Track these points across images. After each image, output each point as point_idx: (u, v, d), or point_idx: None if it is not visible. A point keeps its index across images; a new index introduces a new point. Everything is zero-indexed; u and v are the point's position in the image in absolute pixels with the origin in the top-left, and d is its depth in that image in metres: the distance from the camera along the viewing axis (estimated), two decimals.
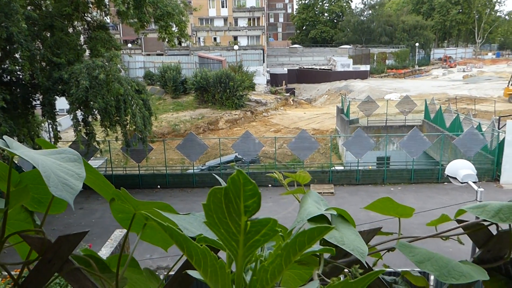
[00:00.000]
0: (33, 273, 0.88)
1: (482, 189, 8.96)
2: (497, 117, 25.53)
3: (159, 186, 22.26)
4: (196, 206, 19.24)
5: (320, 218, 0.89)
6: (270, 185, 21.12)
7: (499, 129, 22.50)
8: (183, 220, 0.87)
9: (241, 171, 0.55)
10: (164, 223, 0.63)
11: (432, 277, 8.45)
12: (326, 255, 0.89)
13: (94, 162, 23.55)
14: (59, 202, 1.03)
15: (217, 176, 0.94)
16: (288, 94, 49.92)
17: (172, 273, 1.06)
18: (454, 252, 12.31)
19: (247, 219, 0.56)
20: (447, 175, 9.64)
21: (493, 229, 0.98)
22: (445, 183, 20.53)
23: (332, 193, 20.43)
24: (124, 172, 23.86)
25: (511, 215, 0.88)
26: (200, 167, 25.33)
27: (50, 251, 0.88)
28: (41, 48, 17.22)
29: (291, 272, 0.98)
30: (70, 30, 18.58)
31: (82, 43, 19.18)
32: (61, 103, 19.69)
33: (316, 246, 0.69)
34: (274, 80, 55.83)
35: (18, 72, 17.15)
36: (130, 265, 1.09)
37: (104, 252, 9.60)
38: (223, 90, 37.78)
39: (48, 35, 17.46)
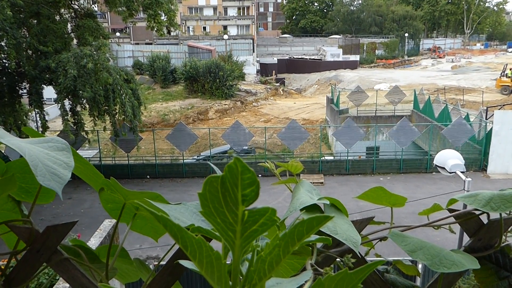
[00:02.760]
0: (21, 263, 0.87)
1: (469, 179, 9.06)
2: (485, 108, 25.79)
3: (148, 176, 22.18)
4: (186, 196, 19.22)
5: (313, 208, 0.88)
6: (260, 175, 21.16)
7: (486, 119, 22.73)
8: (174, 210, 0.85)
9: (239, 159, 0.53)
10: (157, 212, 0.61)
11: (420, 266, 8.56)
12: (319, 245, 0.89)
13: (87, 153, 23.37)
14: (47, 192, 1.01)
15: (212, 165, 0.93)
16: (278, 84, 49.84)
17: (162, 263, 1.05)
18: (442, 241, 12.49)
19: (245, 208, 0.55)
20: (436, 165, 9.73)
21: (484, 218, 0.98)
22: (434, 172, 20.74)
23: (321, 183, 20.53)
24: (113, 162, 23.71)
25: (502, 204, 0.88)
26: (195, 157, 25.27)
27: (38, 241, 0.86)
28: (27, 36, 16.93)
29: (283, 262, 0.97)
30: (57, 18, 18.27)
31: (70, 32, 18.90)
32: (49, 92, 19.44)
33: (313, 236, 0.69)
34: (264, 70, 55.69)
35: (4, 60, 16.87)
36: (120, 256, 1.08)
37: (93, 242, 9.55)
38: (212, 80, 37.57)
39: (34, 23, 17.17)
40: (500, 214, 0.92)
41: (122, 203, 1.01)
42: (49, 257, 0.88)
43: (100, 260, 1.05)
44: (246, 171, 0.53)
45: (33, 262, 0.87)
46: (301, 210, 0.86)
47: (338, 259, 0.92)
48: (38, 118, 18.68)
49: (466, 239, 1.02)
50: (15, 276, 0.88)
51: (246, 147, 23.42)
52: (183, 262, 0.68)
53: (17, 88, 17.93)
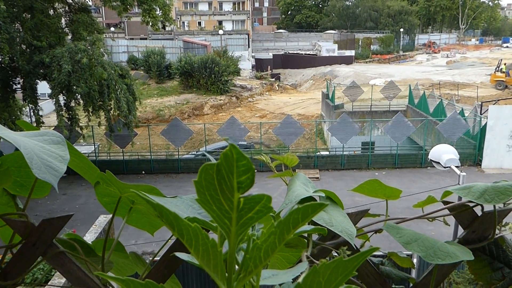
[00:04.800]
0: (17, 257, 0.87)
1: (464, 174, 9.10)
2: (480, 103, 25.88)
3: (143, 172, 22.14)
4: (182, 192, 19.14)
5: (308, 200, 0.89)
6: (256, 170, 21.15)
7: (481, 114, 22.83)
8: (170, 203, 0.86)
9: (234, 146, 0.53)
10: (153, 200, 0.62)
11: (415, 260, 8.62)
12: (314, 237, 0.90)
13: (85, 148, 23.26)
14: (42, 186, 1.01)
15: (207, 154, 0.93)
16: (273, 79, 49.79)
17: (157, 258, 1.05)
18: (436, 235, 12.56)
19: (240, 195, 0.55)
20: (431, 160, 9.77)
21: (478, 210, 0.99)
22: (429, 167, 20.82)
23: (317, 178, 20.57)
24: (108, 157, 23.65)
25: (496, 196, 0.89)
26: (194, 152, 25.23)
27: (34, 235, 0.86)
28: (20, 30, 16.80)
29: (279, 255, 0.98)
30: (51, 12, 18.14)
31: (64, 26, 18.77)
32: (42, 87, 19.33)
33: (308, 226, 0.69)
34: (259, 65, 55.60)
35: None
36: (116, 249, 1.08)
37: (89, 238, 9.54)
38: (208, 75, 37.48)
39: (28, 17, 17.03)
40: (494, 206, 0.93)
41: (118, 197, 1.01)
42: (44, 251, 0.88)
43: (95, 254, 1.05)
44: (241, 158, 0.53)
45: (28, 255, 0.87)
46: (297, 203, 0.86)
47: (333, 252, 0.93)
48: (32, 114, 18.58)
49: (461, 232, 1.03)
50: (11, 270, 0.87)
51: (245, 142, 23.39)
52: (179, 255, 0.69)
53: (11, 83, 17.81)
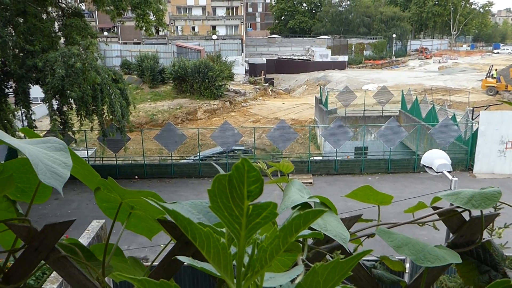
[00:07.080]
0: (19, 261, 0.89)
1: (456, 179, 9.17)
2: (471, 108, 26.12)
3: (136, 177, 22.05)
4: (175, 197, 19.13)
5: (304, 206, 0.92)
6: None
7: (473, 119, 23.02)
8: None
9: (246, 159, 0.59)
10: (169, 207, 0.66)
11: (407, 265, 8.67)
12: (309, 242, 0.92)
13: (84, 153, 23.15)
14: (43, 192, 1.03)
15: (217, 166, 0.97)
16: (267, 84, 49.87)
17: (155, 264, 1.08)
18: (429, 240, 12.61)
19: (250, 203, 0.61)
20: (423, 165, 9.84)
21: (466, 215, 1.03)
22: (421, 172, 20.94)
23: (310, 183, 20.60)
24: (101, 162, 23.54)
25: (482, 201, 0.92)
26: (192, 157, 25.23)
27: (37, 240, 0.88)
28: (13, 34, 16.74)
29: (275, 259, 1.01)
30: (44, 16, 18.10)
31: (57, 31, 18.73)
32: (35, 91, 19.24)
33: (307, 230, 0.73)
34: (253, 70, 55.68)
35: None
36: (115, 254, 1.10)
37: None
38: (201, 80, 37.48)
39: (20, 21, 16.98)
40: (481, 211, 0.96)
41: (118, 202, 1.03)
42: (47, 255, 0.90)
43: (96, 258, 1.07)
44: (252, 169, 0.60)
45: (31, 259, 0.89)
46: (292, 208, 0.89)
47: (328, 256, 0.96)
48: (24, 118, 18.48)
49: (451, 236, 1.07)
50: (13, 274, 0.90)
51: (243, 147, 23.42)
52: (182, 258, 0.72)
53: (3, 87, 17.72)
